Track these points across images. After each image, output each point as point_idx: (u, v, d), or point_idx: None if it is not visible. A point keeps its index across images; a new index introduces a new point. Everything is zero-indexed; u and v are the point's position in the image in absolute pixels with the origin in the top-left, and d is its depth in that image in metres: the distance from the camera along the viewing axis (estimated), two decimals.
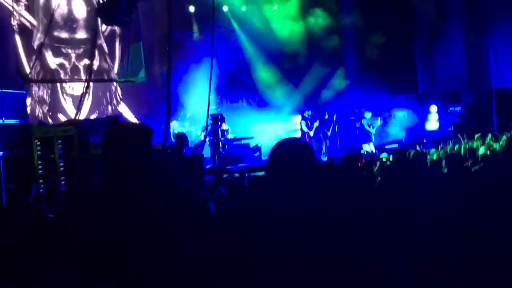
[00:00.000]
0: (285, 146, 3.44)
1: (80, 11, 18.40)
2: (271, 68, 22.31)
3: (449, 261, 4.72)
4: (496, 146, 13.78)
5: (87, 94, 17.06)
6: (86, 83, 16.65)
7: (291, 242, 3.09)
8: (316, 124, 20.10)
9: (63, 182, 10.03)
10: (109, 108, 19.20)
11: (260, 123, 21.51)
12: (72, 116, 16.10)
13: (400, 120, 22.72)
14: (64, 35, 18.02)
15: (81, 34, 18.37)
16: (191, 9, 21.04)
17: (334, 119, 21.19)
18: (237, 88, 22.34)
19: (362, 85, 23.64)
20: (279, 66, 22.39)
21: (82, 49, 18.29)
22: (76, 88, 18.06)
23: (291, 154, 3.36)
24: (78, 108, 15.38)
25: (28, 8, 17.17)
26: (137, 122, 17.21)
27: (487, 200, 5.19)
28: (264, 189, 3.46)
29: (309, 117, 20.41)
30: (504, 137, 15.41)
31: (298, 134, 21.63)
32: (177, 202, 3.10)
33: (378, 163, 11.73)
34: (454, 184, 6.11)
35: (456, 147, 15.53)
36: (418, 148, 16.73)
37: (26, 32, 17.09)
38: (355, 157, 6.73)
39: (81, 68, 18.26)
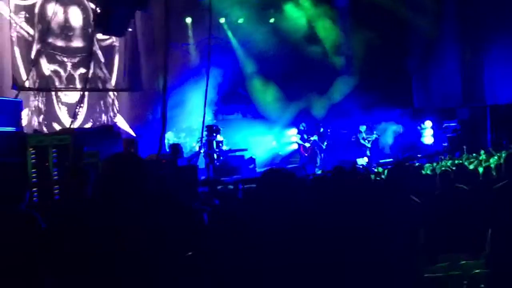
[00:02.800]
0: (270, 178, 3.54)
1: (77, 20, 18.38)
2: (266, 81, 22.34)
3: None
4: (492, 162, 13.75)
5: (82, 103, 17.07)
6: (81, 92, 16.66)
7: (282, 251, 3.11)
8: (313, 138, 20.15)
9: (56, 191, 9.99)
10: (103, 117, 19.17)
11: (255, 135, 21.53)
12: (67, 125, 16.06)
13: (395, 135, 22.80)
14: (59, 43, 18.00)
15: (77, 43, 18.35)
16: (188, 20, 21.08)
17: (329, 133, 21.22)
18: (232, 100, 22.36)
19: (358, 99, 23.72)
20: (275, 79, 22.41)
21: (78, 58, 18.26)
22: (71, 96, 18.05)
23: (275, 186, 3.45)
24: (74, 117, 15.38)
25: (28, 20, 17.21)
26: (133, 134, 17.29)
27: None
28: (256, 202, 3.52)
29: (305, 129, 20.45)
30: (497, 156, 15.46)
31: (293, 147, 21.65)
32: (172, 213, 3.10)
33: (373, 177, 11.75)
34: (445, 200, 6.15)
35: (450, 162, 15.57)
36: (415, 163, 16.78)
37: (25, 43, 17.11)
38: (345, 170, 6.74)
39: (77, 77, 18.24)
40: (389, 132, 22.77)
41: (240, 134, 21.15)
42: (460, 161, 15.16)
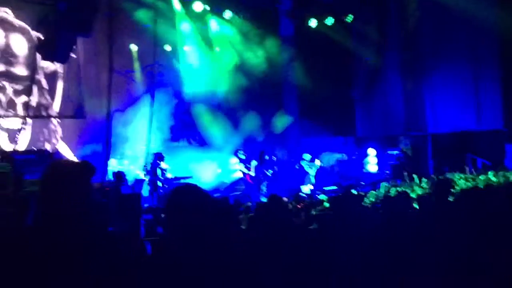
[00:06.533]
0: (178, 196, 3.38)
1: (21, 48, 18.15)
2: (212, 107, 22.37)
3: None
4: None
5: (23, 130, 16.76)
6: (23, 119, 16.39)
7: (226, 280, 3.09)
8: (253, 163, 20.13)
9: None
10: (47, 145, 18.87)
11: (200, 162, 21.44)
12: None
13: (338, 163, 23.02)
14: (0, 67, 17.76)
15: (20, 70, 18.09)
16: (133, 47, 20.99)
17: (274, 160, 21.25)
18: (178, 127, 22.27)
19: (302, 127, 23.93)
20: (220, 106, 22.46)
21: (20, 86, 18.01)
22: (12, 122, 17.72)
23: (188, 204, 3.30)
24: (15, 143, 15.11)
25: None
26: (77, 160, 16.96)
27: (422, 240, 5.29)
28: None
29: (246, 157, 20.43)
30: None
31: (239, 174, 21.60)
32: (105, 244, 3.00)
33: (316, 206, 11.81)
34: (390, 226, 6.20)
35: (393, 190, 15.74)
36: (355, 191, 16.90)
37: None
38: (280, 199, 6.74)
39: (19, 104, 17.96)
40: (333, 160, 22.99)
41: (185, 161, 21.05)
42: (403, 188, 15.36)
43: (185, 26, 21.76)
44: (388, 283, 4.80)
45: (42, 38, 13.54)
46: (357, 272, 4.77)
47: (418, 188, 15.62)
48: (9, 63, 17.98)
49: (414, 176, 17.69)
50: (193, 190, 3.44)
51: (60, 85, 19.35)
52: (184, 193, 3.41)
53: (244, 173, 20.35)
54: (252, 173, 20.09)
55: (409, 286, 4.74)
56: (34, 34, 17.74)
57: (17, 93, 18.02)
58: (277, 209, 6.03)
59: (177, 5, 21.17)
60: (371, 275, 4.78)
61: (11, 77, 17.97)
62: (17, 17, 18.06)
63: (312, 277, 4.52)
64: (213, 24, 22.57)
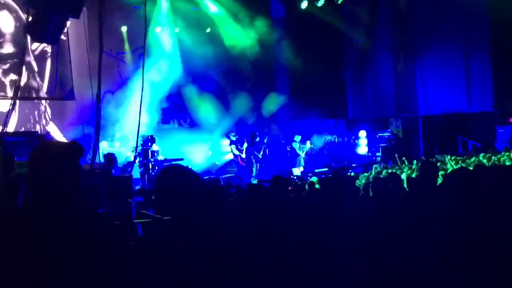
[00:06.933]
0: (167, 177, 3.38)
1: (6, 26, 17.98)
2: (202, 89, 22.29)
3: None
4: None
5: (13, 111, 16.64)
6: (12, 100, 16.26)
7: (214, 270, 3.09)
8: (245, 145, 20.14)
9: None
10: (37, 127, 18.78)
11: (191, 144, 21.42)
12: None
13: (329, 145, 23.05)
14: None
15: (8, 49, 17.93)
16: (124, 29, 20.86)
17: (265, 142, 21.25)
18: (169, 109, 22.22)
19: (293, 109, 23.91)
20: (211, 88, 22.38)
21: (8, 64, 17.86)
22: (2, 104, 17.62)
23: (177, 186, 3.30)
24: (4, 125, 15.00)
25: None
26: (67, 141, 16.85)
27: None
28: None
29: (237, 139, 20.43)
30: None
31: (230, 156, 21.60)
32: (95, 226, 2.98)
33: (307, 187, 11.83)
34: (379, 207, 6.23)
35: (384, 172, 15.81)
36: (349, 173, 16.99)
37: None
38: (284, 180, 6.76)
39: (7, 83, 17.83)
40: (323, 142, 23.01)
41: (176, 143, 21.02)
42: (393, 170, 15.41)
43: (174, 7, 21.62)
44: (382, 263, 4.82)
45: (31, 18, 13.38)
46: (349, 253, 4.78)
47: (408, 169, 15.70)
48: None
49: (404, 158, 17.80)
50: (182, 170, 3.43)
51: (49, 67, 19.22)
52: (172, 173, 3.40)
53: (235, 154, 20.36)
54: (244, 155, 20.10)
55: (403, 266, 4.76)
56: (23, 14, 17.57)
57: (5, 73, 17.88)
58: (281, 191, 6.06)
59: None
60: (365, 256, 4.80)
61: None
62: None
63: (304, 260, 4.53)
64: (208, 4, 22.44)
